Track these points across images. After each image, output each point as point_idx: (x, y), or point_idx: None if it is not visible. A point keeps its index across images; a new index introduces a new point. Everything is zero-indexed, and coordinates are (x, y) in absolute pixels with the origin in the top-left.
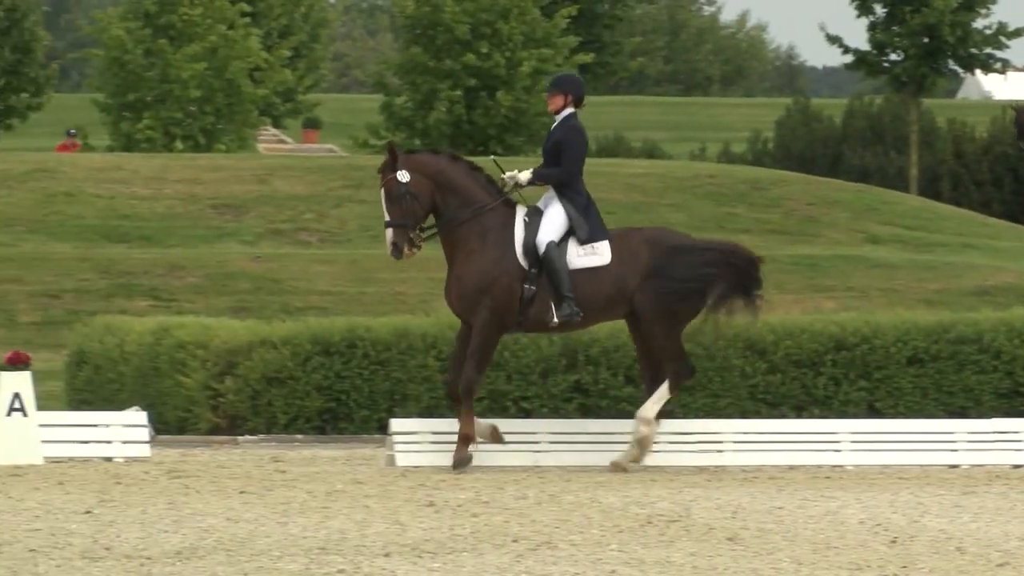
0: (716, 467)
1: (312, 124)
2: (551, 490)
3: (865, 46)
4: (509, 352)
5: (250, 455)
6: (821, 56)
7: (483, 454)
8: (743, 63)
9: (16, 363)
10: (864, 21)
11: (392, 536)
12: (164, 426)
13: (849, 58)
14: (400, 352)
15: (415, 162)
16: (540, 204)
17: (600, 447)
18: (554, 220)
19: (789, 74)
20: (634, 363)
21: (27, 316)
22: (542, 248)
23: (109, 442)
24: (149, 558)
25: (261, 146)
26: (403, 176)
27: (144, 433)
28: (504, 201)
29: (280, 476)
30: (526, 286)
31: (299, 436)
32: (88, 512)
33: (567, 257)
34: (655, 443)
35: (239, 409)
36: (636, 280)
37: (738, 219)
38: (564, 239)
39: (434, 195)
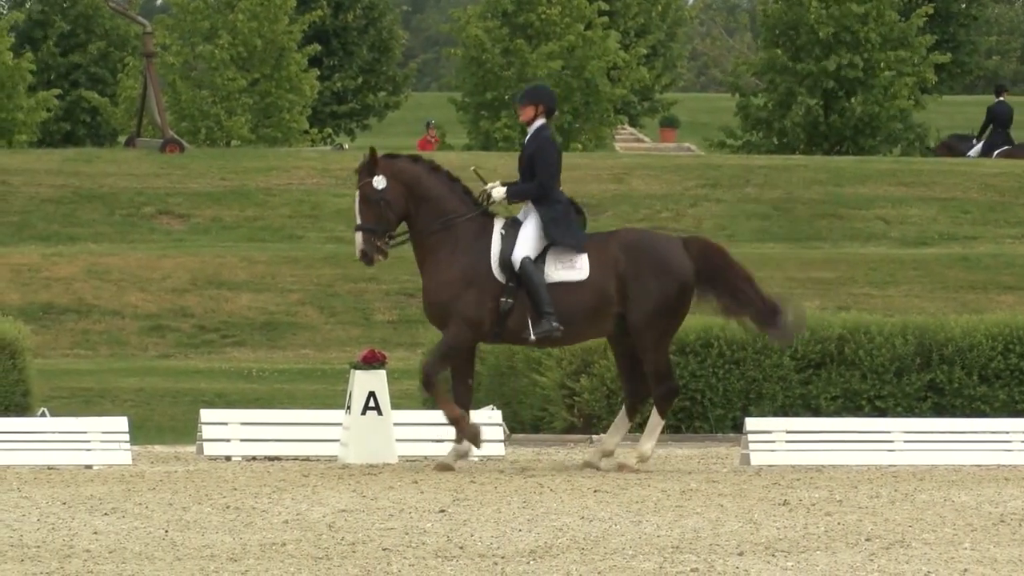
0: None
1: (670, 123)
2: (904, 489)
3: None
4: (864, 351)
5: None
6: None
7: (837, 454)
8: None
9: (371, 362)
10: None
11: (746, 535)
12: (519, 425)
13: None
14: (755, 351)
15: (393, 168)
16: (520, 215)
17: (954, 446)
18: (530, 235)
19: None
20: (988, 362)
21: (383, 315)
22: (517, 264)
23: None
24: (503, 557)
25: (618, 145)
26: (379, 182)
27: (499, 432)
28: (481, 212)
29: (634, 475)
30: (503, 299)
31: None
32: (442, 511)
33: (545, 271)
34: None
35: (594, 408)
36: (616, 289)
37: None
38: (542, 253)
39: (407, 203)
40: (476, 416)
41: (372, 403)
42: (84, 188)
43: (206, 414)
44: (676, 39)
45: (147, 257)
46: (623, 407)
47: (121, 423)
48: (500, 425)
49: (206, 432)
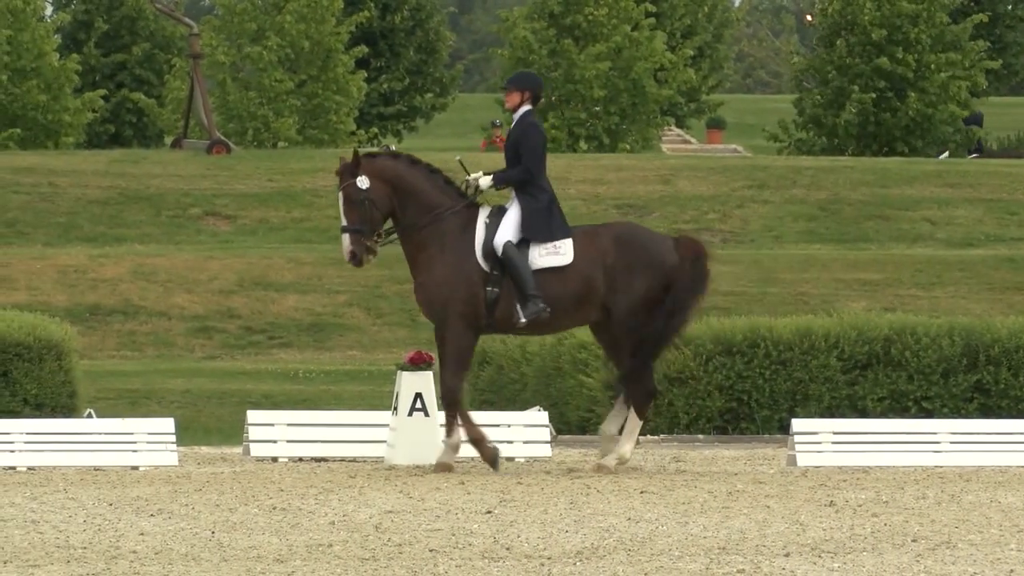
0: None
1: (716, 124)
2: (951, 490)
3: None
4: (910, 352)
5: (651, 455)
6: None
7: (884, 455)
8: None
9: (418, 363)
10: None
11: (792, 536)
12: (566, 426)
13: None
14: (802, 352)
15: (374, 167)
16: (507, 204)
17: (1001, 447)
18: (513, 220)
19: None
20: None
21: None
22: (499, 250)
23: (511, 442)
24: (549, 558)
25: (665, 146)
26: (362, 182)
27: (545, 433)
28: (466, 203)
29: (681, 476)
30: (488, 288)
31: (700, 436)
32: (489, 512)
33: (530, 257)
34: None
35: None
36: (603, 280)
37: None
38: (526, 239)
39: (392, 200)
40: (522, 417)
41: (419, 404)
42: (131, 189)
43: (253, 415)
44: (722, 40)
45: (194, 258)
46: (629, 408)
47: (167, 424)
48: (547, 426)
49: (253, 433)
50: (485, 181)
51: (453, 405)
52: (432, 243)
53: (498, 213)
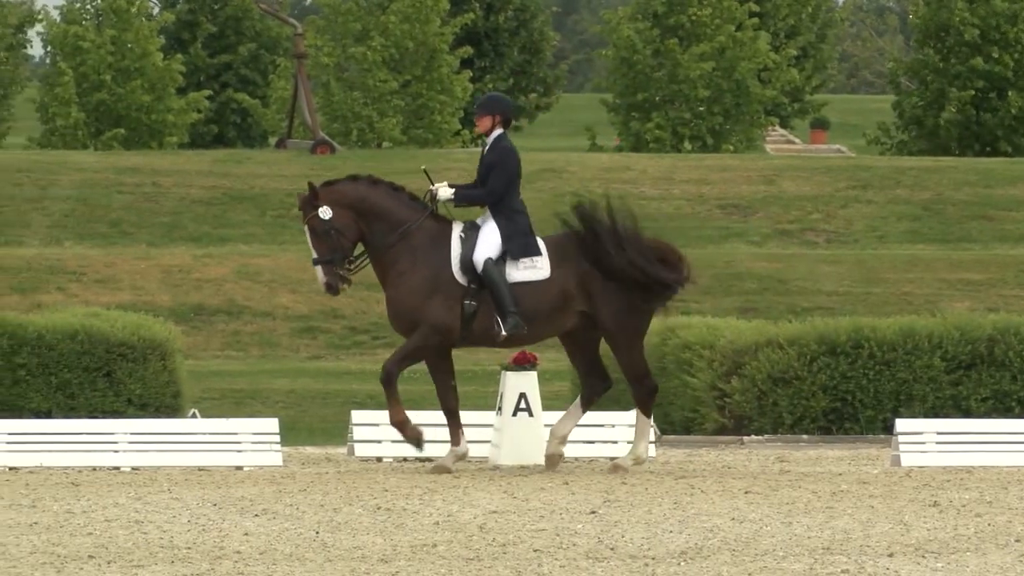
0: None
1: (820, 124)
2: None
3: None
4: (1014, 352)
5: (755, 455)
6: None
7: (988, 455)
8: None
9: (522, 364)
10: None
11: (896, 536)
12: (670, 426)
13: None
14: (906, 352)
15: (335, 194)
16: (479, 220)
17: None
18: (491, 237)
19: None
20: None
21: None
22: (479, 266)
23: (615, 442)
24: (653, 558)
25: (769, 146)
26: (325, 212)
27: (650, 433)
28: (433, 217)
29: (785, 476)
30: (467, 302)
31: (804, 436)
32: (593, 512)
33: (507, 270)
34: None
35: (745, 409)
36: (576, 289)
37: None
38: (502, 255)
39: (358, 224)
40: (625, 417)
41: (523, 404)
42: (235, 189)
43: (357, 415)
44: (826, 40)
45: (298, 258)
46: (579, 397)
47: (272, 424)
48: (651, 426)
49: (357, 433)
50: (445, 192)
51: (389, 384)
52: (403, 258)
53: (472, 228)
